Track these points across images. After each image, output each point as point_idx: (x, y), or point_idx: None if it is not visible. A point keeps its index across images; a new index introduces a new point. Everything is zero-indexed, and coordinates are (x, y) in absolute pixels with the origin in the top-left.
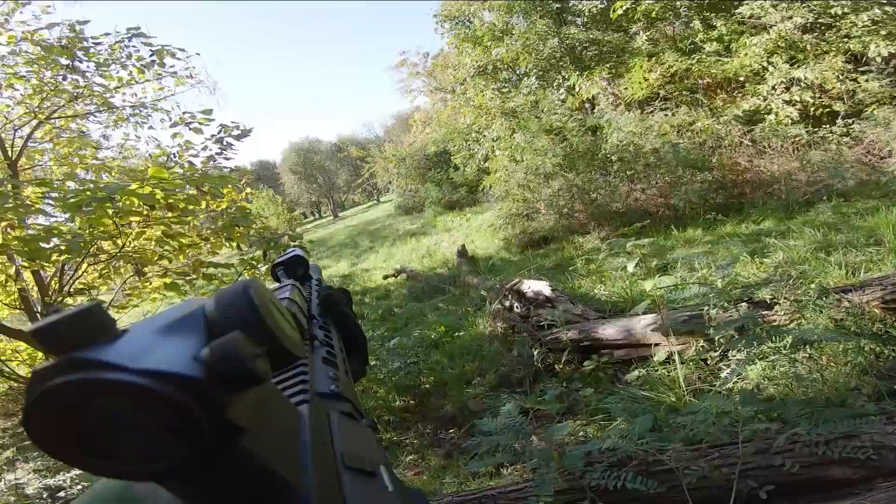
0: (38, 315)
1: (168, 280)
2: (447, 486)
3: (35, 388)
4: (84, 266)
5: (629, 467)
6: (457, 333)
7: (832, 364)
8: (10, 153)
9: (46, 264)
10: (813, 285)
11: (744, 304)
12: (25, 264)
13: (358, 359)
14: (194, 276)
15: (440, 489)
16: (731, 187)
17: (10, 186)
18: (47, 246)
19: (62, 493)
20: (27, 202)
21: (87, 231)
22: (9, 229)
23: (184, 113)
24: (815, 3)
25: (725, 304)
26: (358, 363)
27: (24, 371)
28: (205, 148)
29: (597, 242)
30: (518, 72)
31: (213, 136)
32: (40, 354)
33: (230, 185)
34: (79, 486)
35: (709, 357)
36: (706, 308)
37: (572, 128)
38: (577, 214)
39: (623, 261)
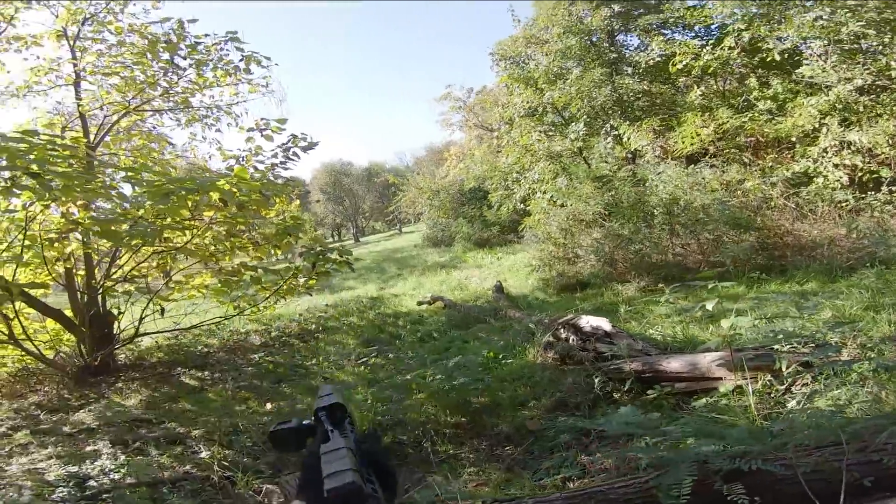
0: (80, 294)
1: (214, 278)
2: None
3: None
4: (128, 256)
5: (747, 459)
6: (504, 360)
7: None
8: (91, 138)
9: (110, 243)
10: (872, 333)
11: (811, 345)
12: (79, 247)
13: (390, 498)
14: (237, 278)
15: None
16: (772, 249)
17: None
18: (119, 230)
19: (92, 483)
20: (107, 184)
21: (155, 220)
22: (74, 210)
23: (260, 119)
24: (875, 64)
25: (795, 345)
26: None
27: (46, 352)
28: (275, 155)
29: (635, 292)
30: (565, 115)
31: (282, 144)
32: (67, 336)
33: (283, 195)
34: (109, 477)
35: (773, 390)
36: (776, 347)
37: (623, 177)
38: (617, 263)
39: (665, 310)
